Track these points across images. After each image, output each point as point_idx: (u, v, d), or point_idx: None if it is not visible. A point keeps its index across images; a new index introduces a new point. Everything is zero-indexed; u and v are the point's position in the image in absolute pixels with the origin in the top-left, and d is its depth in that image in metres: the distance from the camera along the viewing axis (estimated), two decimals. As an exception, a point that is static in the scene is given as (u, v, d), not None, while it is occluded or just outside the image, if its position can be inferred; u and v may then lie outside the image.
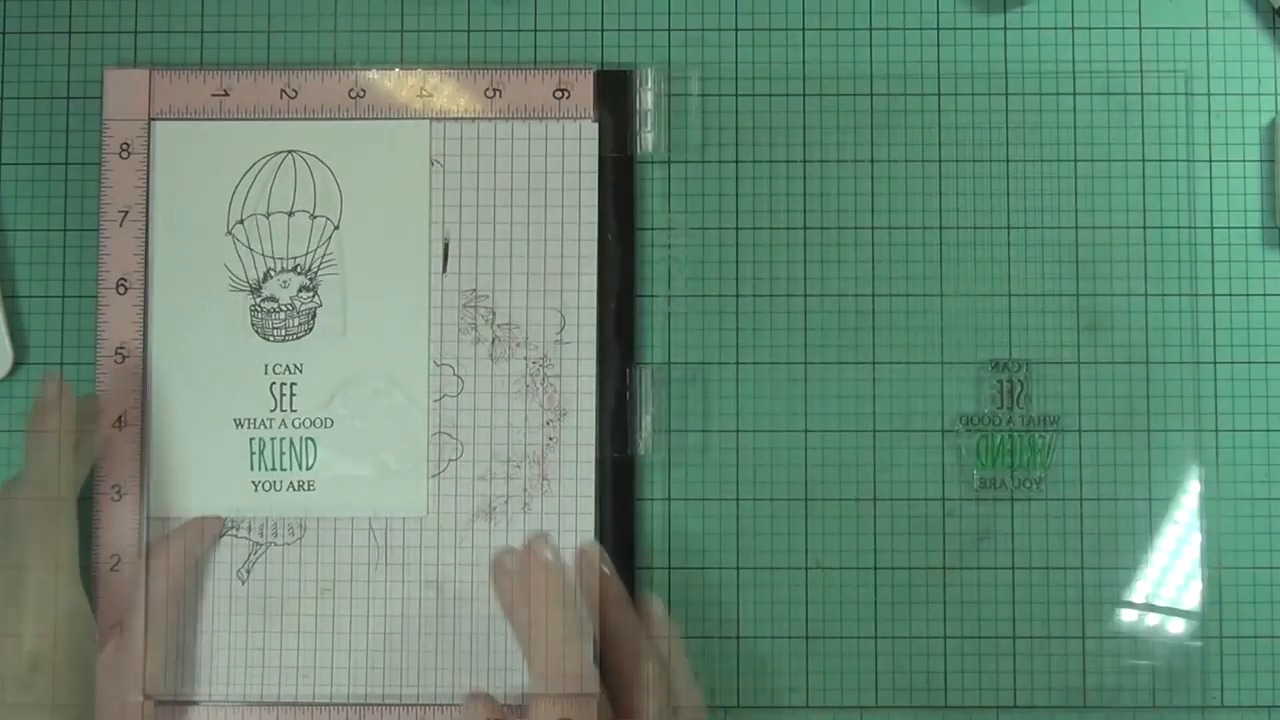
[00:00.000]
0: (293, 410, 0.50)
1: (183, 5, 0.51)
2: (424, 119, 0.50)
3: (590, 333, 0.50)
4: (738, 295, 0.50)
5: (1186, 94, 0.51)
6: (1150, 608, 0.49)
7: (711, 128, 0.51)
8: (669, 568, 0.50)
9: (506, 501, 0.49)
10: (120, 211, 0.50)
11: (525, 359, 0.50)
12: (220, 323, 0.50)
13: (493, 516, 0.49)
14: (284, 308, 0.50)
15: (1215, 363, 0.50)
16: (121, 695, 0.47)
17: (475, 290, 0.50)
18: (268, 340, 0.50)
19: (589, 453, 0.49)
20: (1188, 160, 0.50)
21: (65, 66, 0.51)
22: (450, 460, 0.49)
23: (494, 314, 0.50)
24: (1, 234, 0.51)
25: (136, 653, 0.47)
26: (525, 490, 0.49)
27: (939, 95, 0.51)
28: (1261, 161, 0.50)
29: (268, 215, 0.50)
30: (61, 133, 0.51)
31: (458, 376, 0.50)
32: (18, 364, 0.50)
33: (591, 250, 0.50)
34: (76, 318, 0.50)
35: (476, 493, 0.49)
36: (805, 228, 0.50)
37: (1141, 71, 0.51)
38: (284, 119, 0.50)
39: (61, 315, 0.51)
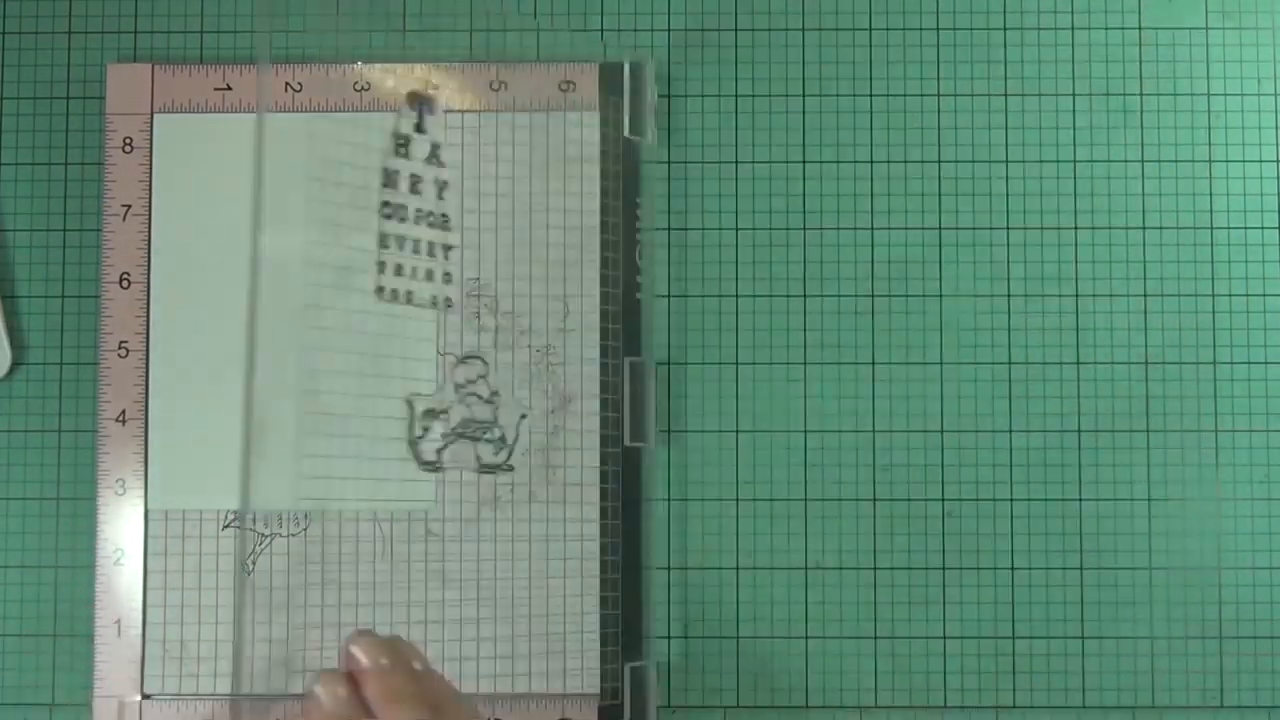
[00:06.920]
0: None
1: (182, 4, 0.51)
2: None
3: (594, 320, 0.50)
4: (737, 295, 0.50)
5: (1189, 94, 0.51)
6: (1150, 608, 0.49)
7: (712, 128, 0.51)
8: (669, 567, 0.50)
9: (512, 490, 0.49)
10: (124, 206, 0.50)
11: (529, 347, 0.50)
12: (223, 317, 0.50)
13: (498, 506, 0.49)
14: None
15: (1215, 363, 0.50)
16: (121, 692, 0.47)
17: (478, 279, 0.50)
18: None
19: (594, 440, 0.49)
20: (1188, 160, 0.50)
21: (65, 65, 0.51)
22: None
23: (497, 303, 0.50)
24: (1, 234, 0.51)
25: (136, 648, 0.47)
26: (530, 479, 0.49)
27: (939, 95, 0.51)
28: (1263, 162, 0.51)
29: None
30: (61, 132, 0.51)
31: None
32: (17, 364, 0.50)
33: (594, 240, 0.50)
34: (76, 318, 0.50)
35: (482, 482, 0.49)
36: (805, 228, 0.50)
37: (1141, 72, 0.51)
38: (288, 112, 0.50)
39: (61, 315, 0.51)
